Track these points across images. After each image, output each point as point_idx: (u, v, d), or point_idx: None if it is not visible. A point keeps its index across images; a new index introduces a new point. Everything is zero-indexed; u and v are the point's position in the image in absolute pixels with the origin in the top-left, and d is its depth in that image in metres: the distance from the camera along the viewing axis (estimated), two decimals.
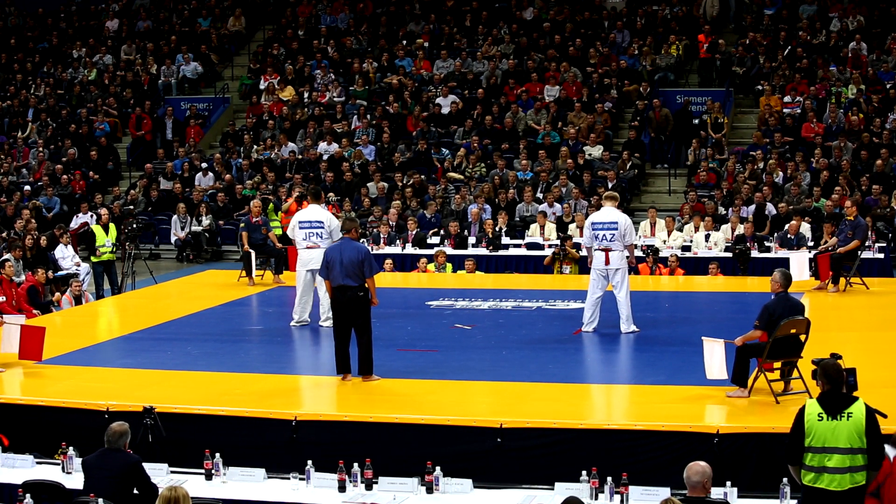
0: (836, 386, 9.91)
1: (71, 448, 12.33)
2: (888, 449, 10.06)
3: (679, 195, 31.39)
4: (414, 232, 27.79)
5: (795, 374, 13.58)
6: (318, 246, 18.31)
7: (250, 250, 23.23)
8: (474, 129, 33.98)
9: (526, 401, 13.96)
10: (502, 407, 13.66)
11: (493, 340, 17.75)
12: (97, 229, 24.69)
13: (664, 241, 26.39)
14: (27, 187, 34.29)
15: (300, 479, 11.77)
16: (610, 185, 29.26)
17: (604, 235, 17.63)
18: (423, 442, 12.85)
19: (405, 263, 26.65)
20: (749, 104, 34.95)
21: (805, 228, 25.96)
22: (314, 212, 18.74)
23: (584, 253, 21.37)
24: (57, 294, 22.86)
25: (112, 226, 24.74)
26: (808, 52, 34.71)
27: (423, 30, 38.91)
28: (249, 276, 23.38)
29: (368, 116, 35.34)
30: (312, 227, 18.52)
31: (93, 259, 24.77)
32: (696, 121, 33.33)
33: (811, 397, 10.17)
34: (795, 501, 10.57)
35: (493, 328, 18.78)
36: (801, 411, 9.90)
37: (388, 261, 25.69)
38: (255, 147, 35.06)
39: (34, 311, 21.04)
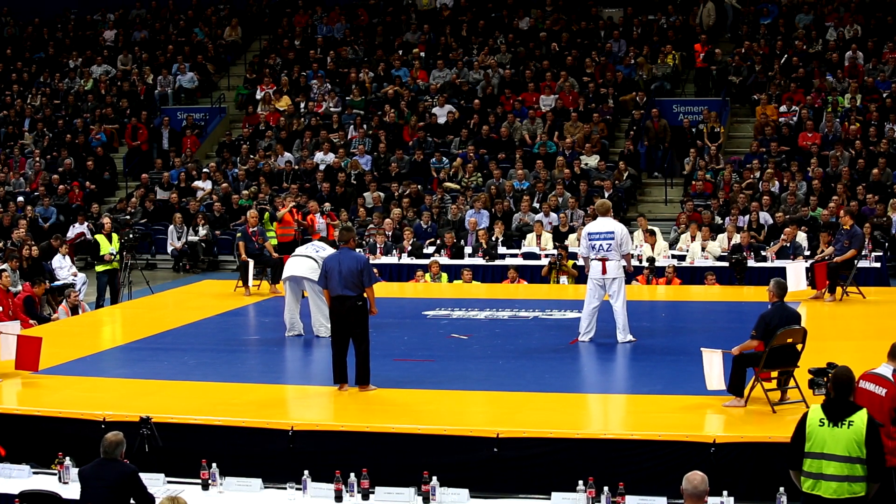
0: (843, 394, 9.92)
1: (67, 458, 12.34)
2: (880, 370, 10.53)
3: (675, 205, 31.42)
4: (410, 242, 27.80)
5: (792, 383, 13.58)
6: (306, 254, 18.51)
7: (248, 260, 23.24)
8: (470, 138, 34.01)
9: (522, 410, 13.95)
10: (499, 417, 13.65)
11: (490, 350, 17.74)
12: (101, 238, 24.67)
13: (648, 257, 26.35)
14: (20, 198, 34.24)
15: (297, 489, 11.78)
16: (606, 195, 29.20)
17: (600, 245, 17.63)
18: (419, 452, 12.84)
19: (402, 273, 26.67)
20: (745, 113, 34.98)
21: (801, 237, 25.98)
22: (321, 243, 19.45)
23: (580, 263, 21.40)
24: (55, 315, 22.75)
25: (115, 235, 24.75)
26: (804, 61, 34.75)
27: (420, 39, 38.96)
28: (246, 286, 23.39)
29: (365, 126, 35.36)
30: (314, 246, 19.15)
31: (97, 269, 24.75)
32: (694, 129, 33.33)
33: (808, 407, 10.18)
34: None
35: (489, 338, 18.75)
36: (804, 416, 9.93)
37: (375, 270, 25.62)
38: (252, 157, 35.08)
39: (31, 322, 21.03)
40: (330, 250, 18.72)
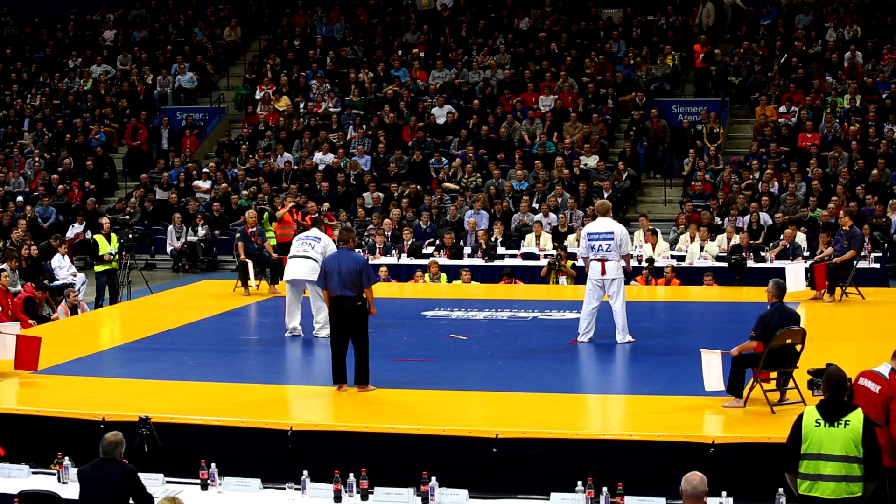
0: (837, 394, 9.94)
1: (66, 458, 12.34)
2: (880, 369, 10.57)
3: (674, 205, 31.43)
4: (409, 242, 27.80)
5: (791, 384, 13.58)
6: (305, 254, 18.49)
7: (247, 260, 23.24)
8: (470, 139, 34.01)
9: (521, 411, 13.95)
10: (498, 417, 13.65)
11: (489, 350, 17.73)
12: (100, 238, 24.66)
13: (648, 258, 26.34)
14: (20, 198, 34.23)
15: (296, 489, 11.78)
16: (605, 195, 29.21)
17: (600, 245, 17.62)
18: (418, 452, 12.83)
19: (401, 273, 26.67)
20: (745, 114, 34.98)
21: (800, 238, 25.98)
22: (314, 232, 18.99)
23: (580, 263, 21.39)
24: (54, 315, 22.71)
25: (114, 235, 24.75)
26: (803, 61, 34.75)
27: (419, 40, 38.94)
28: (245, 287, 23.39)
29: (364, 126, 35.35)
30: (308, 239, 18.74)
31: (97, 269, 24.73)
32: (693, 130, 33.32)
33: (809, 406, 10.18)
34: None
35: (488, 338, 18.75)
36: (800, 418, 9.93)
37: (384, 268, 25.71)
38: (251, 157, 35.07)
39: (30, 322, 21.02)
40: (326, 239, 18.77)
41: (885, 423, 10.42)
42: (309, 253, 18.52)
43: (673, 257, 26.31)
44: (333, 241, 19.68)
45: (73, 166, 36.05)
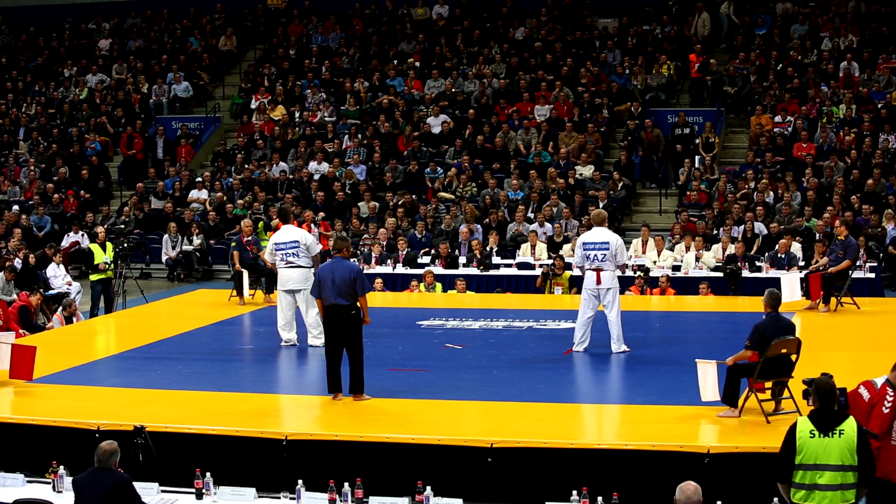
0: (828, 404, 9.97)
1: (61, 467, 12.32)
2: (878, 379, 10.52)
3: (670, 215, 31.44)
4: (404, 252, 27.78)
5: (786, 393, 13.58)
6: (294, 264, 18.43)
7: (242, 270, 23.24)
8: (465, 148, 34.00)
9: (516, 420, 13.94)
10: (493, 426, 13.63)
11: (484, 360, 17.72)
12: (95, 248, 24.66)
13: (654, 262, 26.38)
14: (15, 207, 34.18)
15: (291, 498, 11.77)
16: (601, 205, 29.25)
17: (595, 255, 17.63)
18: (413, 461, 12.82)
19: (396, 283, 26.66)
20: (740, 124, 35.00)
21: (796, 248, 26.00)
22: (288, 232, 18.85)
23: (576, 273, 21.41)
24: (49, 324, 22.66)
25: (109, 244, 24.74)
26: (799, 71, 34.79)
27: (415, 49, 38.97)
28: (240, 296, 23.38)
29: (359, 136, 35.35)
30: (288, 247, 18.60)
31: (92, 278, 24.71)
32: (681, 132, 33.34)
33: (801, 416, 10.19)
34: None
35: (483, 348, 18.75)
36: (793, 428, 9.93)
37: (378, 280, 25.71)
38: (247, 166, 35.05)
39: (21, 332, 20.98)
40: (302, 234, 18.70)
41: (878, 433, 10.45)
42: (295, 262, 18.47)
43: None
44: (328, 251, 19.61)
45: (69, 175, 36.03)
